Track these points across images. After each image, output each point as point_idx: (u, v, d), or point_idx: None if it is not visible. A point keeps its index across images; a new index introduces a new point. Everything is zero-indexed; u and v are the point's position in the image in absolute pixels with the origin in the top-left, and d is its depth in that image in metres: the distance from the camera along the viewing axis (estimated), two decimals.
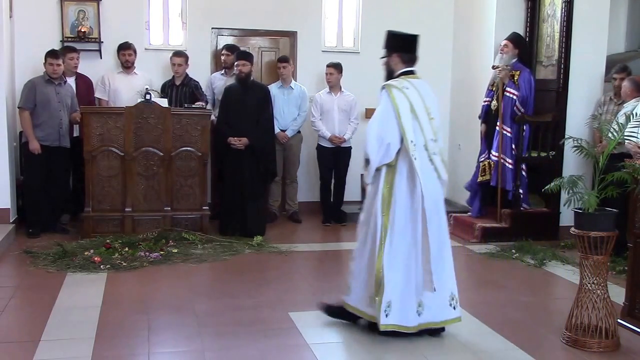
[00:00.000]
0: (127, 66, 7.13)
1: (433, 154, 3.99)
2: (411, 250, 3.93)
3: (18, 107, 6.46)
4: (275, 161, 7.04)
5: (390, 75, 4.16)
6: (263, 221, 6.86)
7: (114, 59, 7.28)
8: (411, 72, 4.14)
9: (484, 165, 6.95)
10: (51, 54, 6.43)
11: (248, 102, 6.71)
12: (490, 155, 6.88)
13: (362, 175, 3.90)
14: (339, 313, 4.24)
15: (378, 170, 3.97)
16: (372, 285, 3.95)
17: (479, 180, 6.99)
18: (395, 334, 3.95)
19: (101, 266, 5.40)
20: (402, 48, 4.15)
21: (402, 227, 3.92)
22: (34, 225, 6.48)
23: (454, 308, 4.09)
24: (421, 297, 3.96)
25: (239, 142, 6.63)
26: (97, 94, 7.15)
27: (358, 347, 3.93)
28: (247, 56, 6.77)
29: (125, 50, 7.10)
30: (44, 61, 6.44)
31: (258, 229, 6.61)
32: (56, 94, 6.46)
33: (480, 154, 7.08)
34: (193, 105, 6.75)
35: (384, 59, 4.22)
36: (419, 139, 3.95)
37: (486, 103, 7.02)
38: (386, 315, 3.90)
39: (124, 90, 7.05)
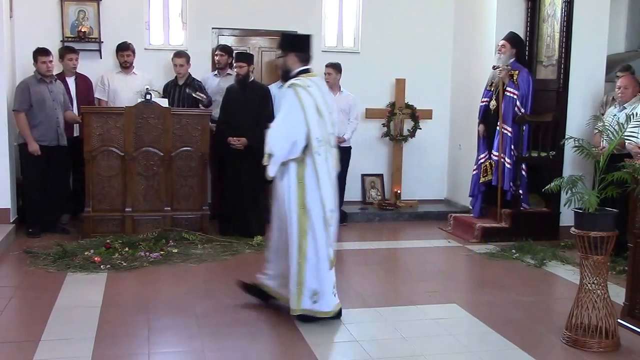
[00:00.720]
0: (125, 67, 7.12)
1: (332, 147, 4.34)
2: (327, 238, 4.25)
3: (13, 110, 6.39)
4: None
5: (286, 74, 4.39)
6: (263, 221, 6.84)
7: (113, 59, 7.28)
8: (308, 70, 4.36)
9: (485, 166, 6.95)
10: (41, 52, 6.40)
11: (247, 103, 6.71)
12: (491, 155, 6.88)
13: (265, 167, 4.21)
14: (254, 291, 4.57)
15: (284, 164, 4.18)
16: (295, 274, 4.20)
17: (481, 181, 6.98)
18: (313, 319, 4.21)
19: (101, 266, 5.40)
20: (297, 48, 4.39)
21: (317, 216, 4.17)
22: (34, 225, 6.48)
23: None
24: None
25: (238, 142, 6.64)
26: (96, 94, 7.15)
27: (358, 346, 3.93)
28: (243, 58, 6.76)
29: (124, 51, 7.09)
30: (33, 61, 6.39)
31: (258, 229, 6.60)
32: (49, 92, 6.44)
33: (479, 155, 7.08)
34: (194, 94, 6.82)
35: (281, 59, 4.50)
36: (324, 134, 4.21)
37: (484, 103, 7.02)
38: (314, 302, 4.19)
39: (123, 90, 7.05)
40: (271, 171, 4.19)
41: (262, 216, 6.87)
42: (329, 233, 4.26)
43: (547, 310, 4.77)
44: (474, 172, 7.11)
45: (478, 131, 7.10)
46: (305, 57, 4.37)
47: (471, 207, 7.29)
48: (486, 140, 7.02)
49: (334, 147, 4.39)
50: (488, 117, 6.97)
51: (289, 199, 4.19)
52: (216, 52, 7.41)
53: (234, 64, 6.85)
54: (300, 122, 4.13)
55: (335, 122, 4.45)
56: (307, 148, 4.15)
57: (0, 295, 4.71)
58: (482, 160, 7.01)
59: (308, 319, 4.21)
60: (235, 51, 7.24)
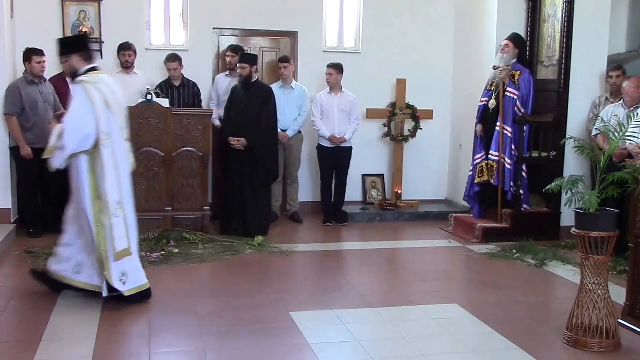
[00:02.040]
0: (126, 66, 7.10)
1: (125, 140, 4.57)
2: (127, 221, 4.48)
3: (5, 114, 6.35)
4: (276, 162, 7.00)
5: (74, 75, 4.52)
6: (264, 221, 6.86)
7: (114, 59, 7.27)
8: (95, 69, 4.57)
9: (481, 166, 6.94)
10: (37, 52, 6.38)
11: (250, 103, 6.72)
12: (489, 155, 6.87)
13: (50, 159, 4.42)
14: (44, 279, 4.70)
15: (74, 157, 4.34)
16: (99, 260, 4.42)
17: (476, 181, 6.98)
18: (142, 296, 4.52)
19: None
20: (78, 48, 4.56)
21: (105, 207, 4.37)
22: (34, 225, 6.48)
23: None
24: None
25: (237, 142, 6.64)
26: None
27: (359, 346, 3.93)
28: (246, 59, 6.77)
29: (126, 51, 7.08)
30: (25, 61, 6.35)
31: (259, 229, 6.61)
32: (40, 94, 6.42)
33: (475, 155, 7.07)
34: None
35: (65, 64, 4.61)
36: (112, 129, 4.40)
37: (483, 103, 7.02)
38: (124, 284, 4.43)
39: (123, 90, 6.98)
40: (56, 163, 4.35)
41: (264, 216, 6.89)
42: (117, 223, 4.40)
43: (547, 311, 4.78)
44: (470, 174, 7.12)
45: (476, 131, 7.10)
46: (88, 56, 4.58)
47: (471, 209, 7.29)
48: (483, 141, 7.02)
49: (127, 141, 4.63)
50: (486, 117, 6.97)
51: (83, 191, 4.38)
52: (227, 53, 7.42)
53: (237, 65, 6.86)
54: (90, 117, 4.31)
55: (125, 118, 4.67)
56: (96, 141, 4.35)
57: (1, 295, 4.72)
58: (478, 161, 7.01)
59: (120, 298, 4.46)
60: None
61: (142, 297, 4.57)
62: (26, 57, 6.39)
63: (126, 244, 4.48)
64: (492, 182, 6.84)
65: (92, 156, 4.36)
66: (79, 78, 4.44)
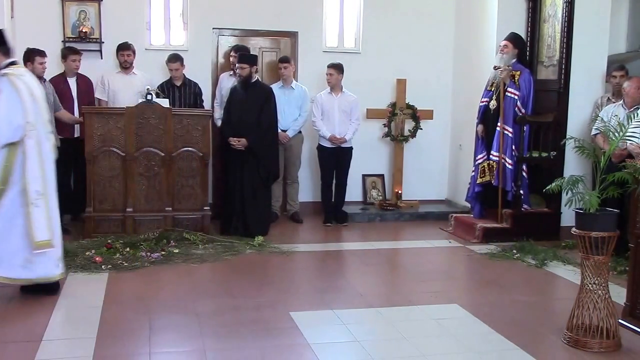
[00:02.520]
0: (125, 66, 7.08)
1: (49, 132, 4.66)
2: (50, 213, 4.56)
3: None
4: (276, 162, 7.00)
5: None
6: (264, 221, 6.86)
7: (114, 59, 7.27)
8: (15, 63, 4.64)
9: (483, 166, 6.95)
10: (39, 53, 6.38)
11: (249, 104, 6.72)
12: (490, 155, 6.87)
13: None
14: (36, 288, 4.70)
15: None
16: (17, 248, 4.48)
17: (478, 182, 6.98)
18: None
19: (102, 266, 5.40)
20: None
21: (24, 196, 4.42)
22: None
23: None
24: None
25: (238, 142, 6.64)
26: (96, 95, 7.11)
27: (359, 346, 3.93)
28: (245, 59, 6.77)
29: (125, 51, 7.06)
30: (27, 62, 6.32)
31: (259, 229, 6.61)
32: None
33: (477, 155, 7.08)
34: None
35: None
36: (39, 120, 4.50)
37: (483, 104, 7.02)
38: (24, 269, 4.50)
39: (123, 90, 7.01)
40: None
41: (263, 216, 6.89)
42: (37, 213, 4.45)
43: (548, 311, 4.77)
44: (472, 174, 7.12)
45: (477, 131, 7.10)
46: (7, 50, 4.61)
47: (471, 208, 7.29)
48: (484, 141, 7.02)
49: (52, 133, 4.76)
50: (487, 118, 6.97)
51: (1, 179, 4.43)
52: (231, 53, 7.41)
53: (237, 65, 6.86)
54: (19, 108, 4.39)
55: (46, 110, 4.77)
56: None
57: (1, 295, 4.71)
58: (479, 161, 7.01)
59: (32, 288, 4.58)
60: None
61: (45, 290, 4.62)
62: (28, 57, 6.37)
63: (47, 235, 4.52)
64: (493, 182, 6.84)
65: (13, 146, 4.41)
66: (3, 71, 4.48)
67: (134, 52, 7.12)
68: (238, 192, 6.71)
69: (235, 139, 6.66)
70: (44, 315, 4.28)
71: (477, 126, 7.10)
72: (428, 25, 8.34)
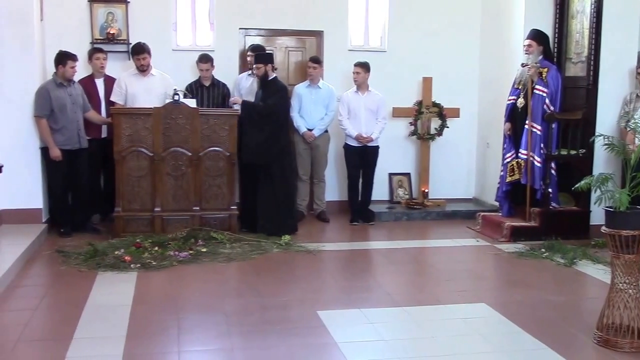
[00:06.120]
0: (142, 70, 6.95)
1: None
2: None
3: (35, 116, 6.46)
4: (275, 154, 6.71)
5: None
6: (281, 220, 6.73)
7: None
8: None
9: (512, 165, 6.88)
10: (72, 57, 6.46)
11: (264, 101, 6.73)
12: (519, 154, 6.81)
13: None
14: None
15: None
16: None
17: (507, 180, 6.92)
18: None
19: (131, 265, 5.47)
20: None
21: None
22: (65, 225, 6.59)
23: None
24: None
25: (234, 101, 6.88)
26: (112, 98, 6.97)
27: (386, 345, 3.93)
28: (259, 59, 6.75)
29: (140, 55, 6.88)
30: (59, 65, 6.43)
31: (287, 229, 6.61)
32: (69, 95, 6.50)
33: (506, 154, 7.01)
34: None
35: None
36: None
37: (511, 102, 6.96)
38: None
39: (141, 93, 6.88)
40: None
41: (291, 215, 6.89)
42: None
43: (577, 310, 4.71)
44: (501, 174, 7.06)
45: (504, 130, 7.03)
46: None
47: (499, 207, 7.23)
48: (512, 139, 6.95)
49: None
50: (515, 116, 6.91)
51: None
52: (248, 53, 7.43)
53: (253, 65, 6.88)
54: None
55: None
56: None
57: (33, 294, 4.80)
58: (508, 160, 6.95)
59: None
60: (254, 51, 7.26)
61: None
62: (61, 60, 6.44)
63: None
64: (521, 180, 6.78)
65: None
66: None
67: (149, 54, 6.95)
68: (252, 190, 6.74)
69: (234, 97, 7.02)
70: (75, 314, 4.34)
71: (504, 124, 7.03)
72: (454, 22, 8.29)
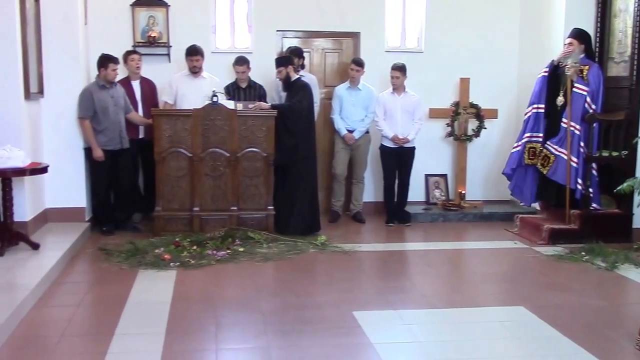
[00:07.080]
0: (194, 71, 7.14)
1: None
2: None
3: (78, 118, 6.62)
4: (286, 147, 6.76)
5: None
6: (301, 221, 6.77)
7: (181, 62, 7.43)
8: None
9: (533, 148, 6.88)
10: (113, 59, 6.61)
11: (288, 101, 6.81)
12: (547, 145, 6.74)
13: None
14: None
15: None
16: None
17: (526, 162, 6.87)
18: None
19: (171, 264, 5.56)
20: None
21: None
22: (107, 223, 6.73)
23: None
24: None
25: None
26: (163, 97, 7.22)
27: (422, 347, 3.92)
28: (277, 63, 6.85)
29: (193, 56, 7.09)
30: (101, 67, 6.57)
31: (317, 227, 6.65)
32: (111, 97, 6.63)
33: (525, 133, 6.98)
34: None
35: None
36: None
37: (542, 76, 6.91)
38: None
39: (191, 93, 7.05)
40: None
41: (310, 217, 6.88)
42: None
43: (619, 315, 4.63)
44: (518, 149, 7.03)
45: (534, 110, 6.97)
46: None
47: (517, 194, 7.22)
48: (544, 124, 6.90)
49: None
50: (554, 114, 6.82)
51: None
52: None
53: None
54: None
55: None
56: None
57: (76, 290, 4.93)
58: (526, 140, 6.95)
59: None
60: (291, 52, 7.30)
61: None
62: (103, 63, 6.59)
63: None
64: (545, 173, 6.75)
65: None
66: None
67: (202, 56, 7.15)
68: (297, 191, 6.78)
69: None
70: (116, 310, 4.44)
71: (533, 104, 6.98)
72: (492, 22, 8.21)
